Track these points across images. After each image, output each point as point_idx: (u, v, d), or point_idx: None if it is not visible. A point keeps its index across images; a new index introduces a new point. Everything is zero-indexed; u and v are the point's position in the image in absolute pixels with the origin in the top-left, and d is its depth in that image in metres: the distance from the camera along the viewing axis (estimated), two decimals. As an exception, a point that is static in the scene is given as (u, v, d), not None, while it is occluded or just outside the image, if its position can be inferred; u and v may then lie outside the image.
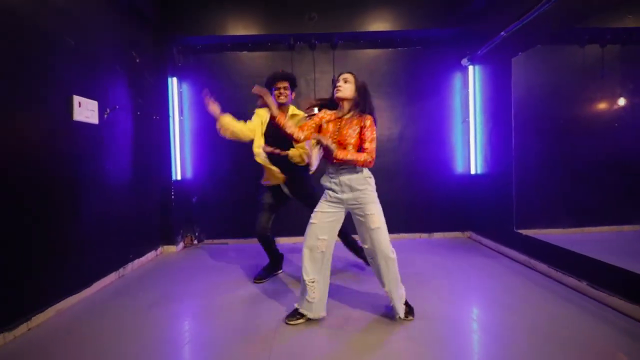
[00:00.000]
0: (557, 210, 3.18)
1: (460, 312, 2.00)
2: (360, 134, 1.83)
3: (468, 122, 3.68)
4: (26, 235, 1.88)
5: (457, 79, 3.78)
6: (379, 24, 3.52)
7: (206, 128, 3.74)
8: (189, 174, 3.73)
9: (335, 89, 1.90)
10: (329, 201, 1.91)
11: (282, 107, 2.48)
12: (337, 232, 1.93)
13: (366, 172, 1.87)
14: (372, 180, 1.89)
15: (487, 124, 3.40)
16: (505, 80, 3.04)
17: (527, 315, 1.91)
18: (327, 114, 1.97)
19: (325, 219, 1.89)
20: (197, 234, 3.73)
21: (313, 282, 1.84)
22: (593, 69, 3.11)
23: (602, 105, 3.21)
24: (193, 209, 3.72)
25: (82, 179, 2.35)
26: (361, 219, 1.85)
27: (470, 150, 3.66)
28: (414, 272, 2.63)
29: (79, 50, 2.36)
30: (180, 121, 3.66)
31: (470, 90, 3.64)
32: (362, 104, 1.89)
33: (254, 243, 3.69)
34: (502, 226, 3.13)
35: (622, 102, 3.15)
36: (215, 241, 3.75)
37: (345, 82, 1.89)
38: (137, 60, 3.14)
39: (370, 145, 1.80)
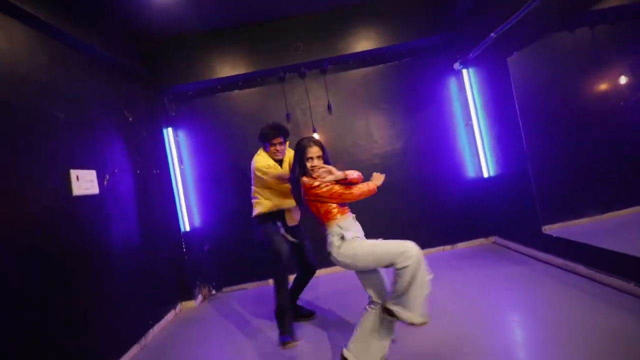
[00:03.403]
0: (580, 200, 3.06)
1: (500, 333, 1.85)
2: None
3: (471, 125, 3.59)
4: (31, 321, 1.77)
5: (452, 83, 3.71)
6: (364, 44, 3.49)
7: (208, 174, 3.67)
8: (197, 223, 3.63)
9: (313, 170, 1.85)
10: None
11: (278, 162, 2.44)
12: None
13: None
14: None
15: (493, 126, 3.31)
16: (504, 81, 2.97)
17: (576, 327, 1.76)
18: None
19: None
20: (214, 283, 3.60)
21: None
22: (587, 52, 3.06)
23: (604, 86, 3.15)
24: (206, 258, 3.60)
25: (89, 253, 2.25)
26: None
27: (480, 154, 3.56)
28: (442, 292, 2.48)
29: (71, 122, 2.31)
30: (181, 170, 3.59)
31: (468, 93, 3.57)
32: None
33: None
34: (528, 228, 3.00)
35: (623, 80, 3.09)
36: (234, 288, 3.61)
37: (319, 158, 1.88)
38: (130, 119, 3.09)
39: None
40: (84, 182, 2.33)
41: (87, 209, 2.32)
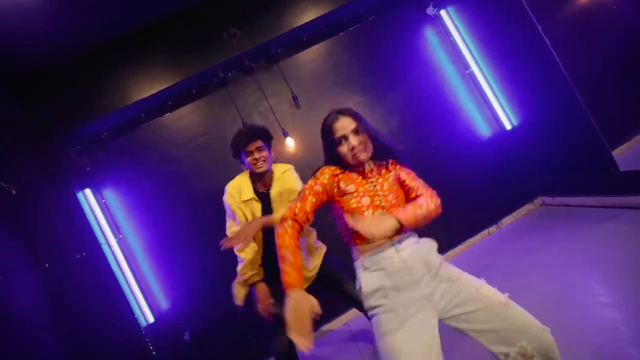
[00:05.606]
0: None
1: None
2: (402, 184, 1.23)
3: (472, 73, 2.90)
4: None
5: (429, 33, 3.02)
6: (314, 10, 2.69)
7: (163, 234, 2.63)
8: (164, 306, 2.56)
9: (353, 154, 1.11)
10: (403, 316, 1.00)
11: (264, 177, 1.68)
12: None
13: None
14: None
15: (503, 64, 2.64)
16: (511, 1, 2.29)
17: None
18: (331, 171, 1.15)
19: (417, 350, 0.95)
20: (211, 381, 2.53)
21: None
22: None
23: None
24: (191, 349, 2.54)
25: None
26: (472, 311, 0.99)
27: (493, 104, 2.86)
28: (542, 310, 1.67)
29: None
30: (121, 241, 2.54)
31: (455, 37, 2.88)
32: (382, 149, 1.21)
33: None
34: (595, 171, 2.30)
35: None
36: (242, 378, 2.57)
37: (356, 132, 1.12)
38: (14, 192, 2.03)
39: (421, 184, 1.26)
40: None
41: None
